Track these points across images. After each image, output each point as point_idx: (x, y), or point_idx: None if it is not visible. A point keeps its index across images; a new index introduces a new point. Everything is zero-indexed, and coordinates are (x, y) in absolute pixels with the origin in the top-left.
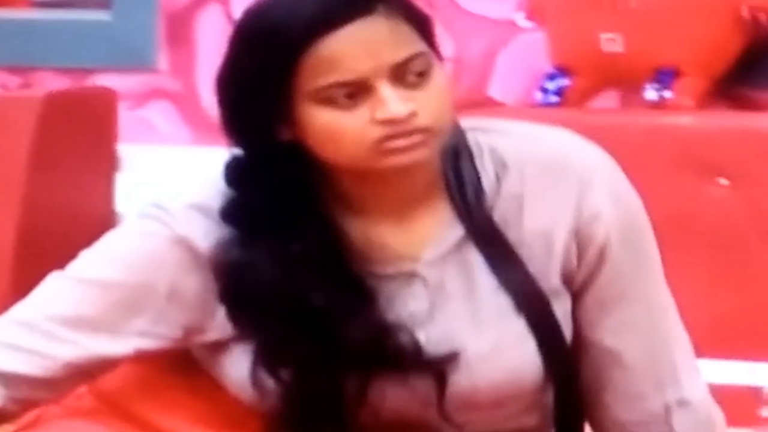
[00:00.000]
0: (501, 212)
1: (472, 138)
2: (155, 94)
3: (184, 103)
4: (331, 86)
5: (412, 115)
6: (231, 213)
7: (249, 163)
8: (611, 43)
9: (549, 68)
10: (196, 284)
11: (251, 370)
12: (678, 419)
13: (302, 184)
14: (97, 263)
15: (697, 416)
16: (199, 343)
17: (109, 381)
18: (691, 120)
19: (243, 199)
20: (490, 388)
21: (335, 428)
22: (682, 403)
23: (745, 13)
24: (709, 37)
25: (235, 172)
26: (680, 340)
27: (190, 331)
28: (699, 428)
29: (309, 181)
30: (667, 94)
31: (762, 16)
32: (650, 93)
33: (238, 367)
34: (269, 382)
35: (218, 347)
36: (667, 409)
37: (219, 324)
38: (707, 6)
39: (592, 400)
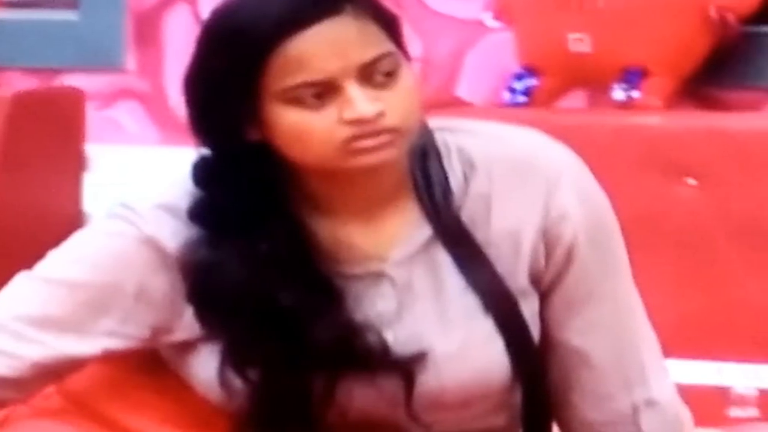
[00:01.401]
0: (469, 212)
1: (440, 138)
2: (123, 94)
3: (152, 103)
4: (298, 86)
5: (380, 115)
6: (199, 213)
7: (217, 163)
8: (579, 43)
9: (517, 68)
10: (163, 284)
11: (219, 370)
12: (646, 419)
13: (270, 184)
14: (65, 263)
15: (664, 416)
16: (167, 343)
17: (77, 381)
18: (659, 120)
19: (211, 199)
20: (458, 388)
21: (302, 428)
22: (650, 403)
23: (712, 13)
24: (677, 37)
25: (202, 172)
26: (648, 340)
27: (157, 331)
28: (667, 428)
29: (277, 181)
30: (635, 94)
31: (729, 16)
32: (618, 93)
33: (205, 367)
34: (237, 382)
35: (186, 347)
36: (635, 409)
37: (186, 324)
38: (675, 6)
39: (559, 400)
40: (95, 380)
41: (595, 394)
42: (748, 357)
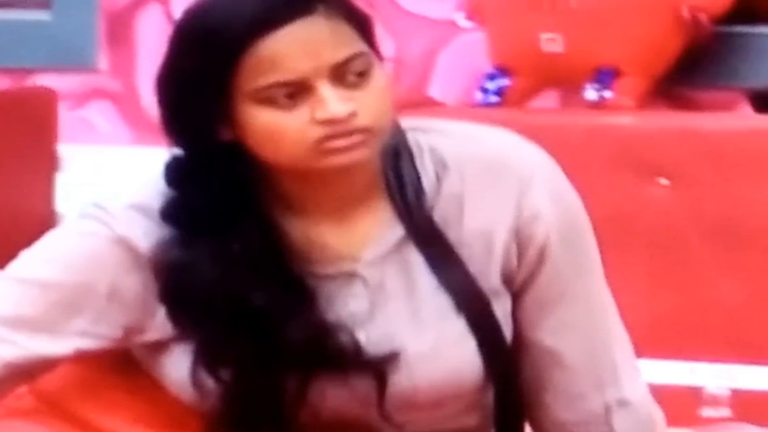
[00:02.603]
0: (441, 212)
1: (412, 138)
2: (95, 94)
3: (125, 103)
4: (271, 86)
5: (352, 115)
6: (171, 213)
7: (189, 163)
8: (551, 43)
9: (489, 68)
10: (136, 284)
11: (191, 370)
12: (618, 419)
13: (242, 184)
14: (37, 263)
15: (637, 416)
16: (140, 343)
17: (49, 381)
18: (631, 120)
19: (183, 200)
20: (431, 388)
21: (275, 428)
22: (622, 403)
23: (685, 13)
24: (649, 37)
25: (175, 172)
26: (620, 340)
27: (130, 331)
28: (639, 428)
29: (249, 182)
30: (607, 94)
31: (702, 16)
32: (590, 93)
33: (178, 367)
34: (209, 382)
35: (158, 347)
36: (607, 409)
37: (159, 324)
38: (647, 6)
39: (532, 400)
40: (68, 380)
41: (567, 394)
42: (720, 357)
